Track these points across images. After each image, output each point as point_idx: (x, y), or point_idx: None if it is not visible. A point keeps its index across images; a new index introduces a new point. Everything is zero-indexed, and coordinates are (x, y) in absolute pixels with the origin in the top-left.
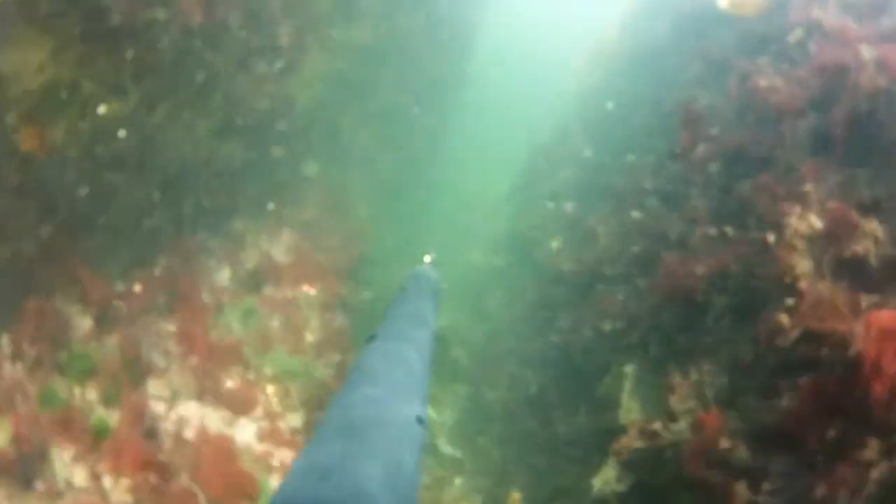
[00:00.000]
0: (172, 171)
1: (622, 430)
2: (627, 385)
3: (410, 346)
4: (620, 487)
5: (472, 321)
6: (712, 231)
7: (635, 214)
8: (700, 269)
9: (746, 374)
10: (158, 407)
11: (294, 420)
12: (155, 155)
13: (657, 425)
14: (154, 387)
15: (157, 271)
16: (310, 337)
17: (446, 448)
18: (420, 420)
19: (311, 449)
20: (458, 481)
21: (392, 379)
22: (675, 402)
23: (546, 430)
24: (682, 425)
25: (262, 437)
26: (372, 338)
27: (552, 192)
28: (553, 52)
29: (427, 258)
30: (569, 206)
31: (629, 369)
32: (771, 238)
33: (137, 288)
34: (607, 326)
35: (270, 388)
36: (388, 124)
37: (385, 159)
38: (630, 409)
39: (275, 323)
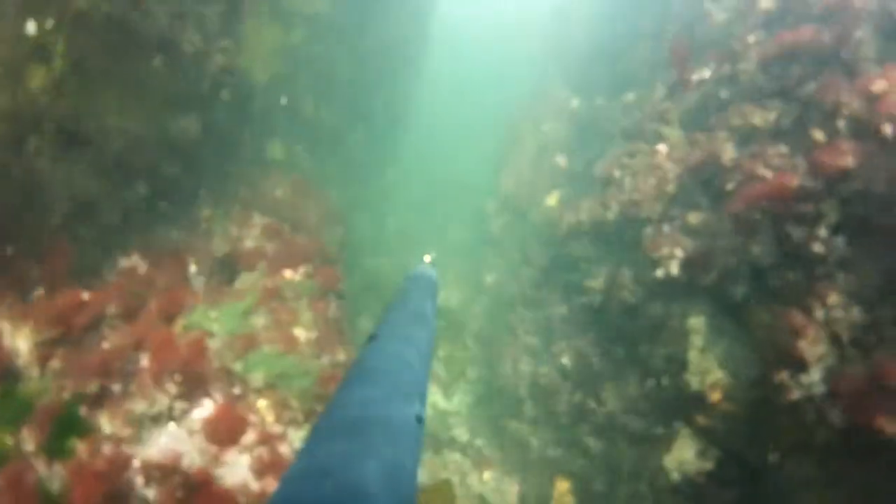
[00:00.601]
0: (116, 150)
1: (696, 396)
2: (696, 341)
3: (410, 346)
4: (707, 465)
5: (471, 295)
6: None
7: (662, 148)
8: (793, 181)
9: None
10: (118, 450)
11: (299, 438)
12: (92, 130)
13: (783, 376)
14: (110, 423)
15: (109, 274)
16: (302, 333)
17: (464, 437)
18: (420, 420)
19: (309, 449)
20: (487, 475)
21: (392, 378)
22: (806, 347)
23: (592, 406)
24: (814, 375)
25: (261, 470)
26: (372, 337)
27: (539, 147)
28: None
29: (427, 258)
30: (561, 160)
31: (696, 321)
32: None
33: (86, 297)
34: (659, 273)
35: (263, 403)
36: (354, 101)
37: (354, 138)
38: (705, 370)
39: (259, 319)
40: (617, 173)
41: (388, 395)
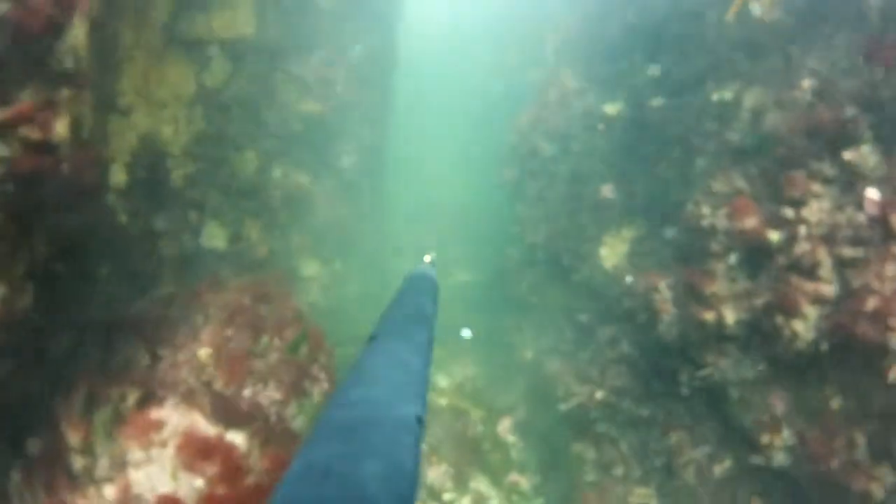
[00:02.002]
0: None
1: None
2: None
3: (410, 346)
4: None
5: (500, 394)
6: None
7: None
8: None
9: None
10: None
11: None
12: None
13: None
14: None
15: None
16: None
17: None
18: (420, 420)
19: (309, 449)
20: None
21: (392, 378)
22: None
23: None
24: None
25: None
26: (372, 338)
27: (572, 174)
28: None
29: (427, 258)
30: (607, 191)
31: None
32: None
33: None
34: None
35: None
36: (315, 147)
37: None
38: None
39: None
40: (775, 236)
41: (388, 395)
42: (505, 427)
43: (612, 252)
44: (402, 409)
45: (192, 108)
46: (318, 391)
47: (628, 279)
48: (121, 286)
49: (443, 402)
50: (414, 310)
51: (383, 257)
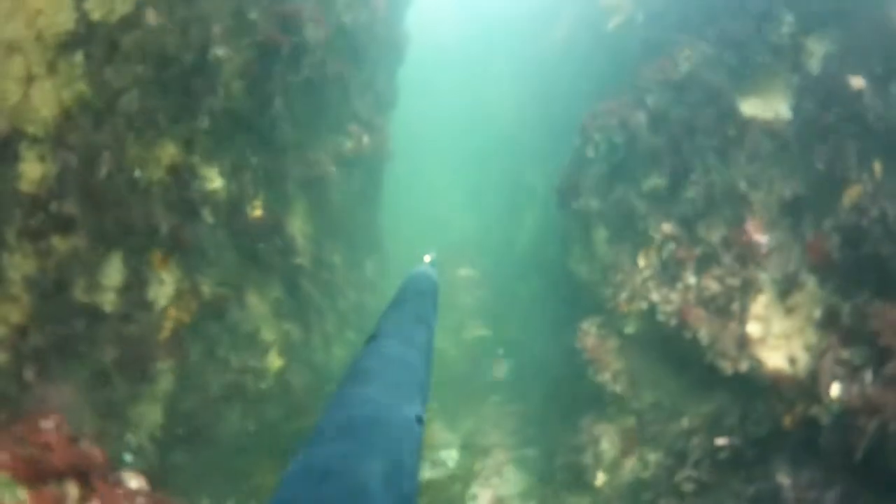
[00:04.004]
0: None
1: None
2: None
3: (410, 346)
4: None
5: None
6: None
7: None
8: None
9: None
10: None
11: None
12: None
13: None
14: None
15: None
16: None
17: None
18: (420, 420)
19: (309, 449)
20: None
21: (392, 378)
22: None
23: None
24: None
25: None
26: (372, 338)
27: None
28: None
29: (427, 258)
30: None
31: None
32: None
33: None
34: None
35: None
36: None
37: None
38: None
39: None
40: None
41: (388, 394)
42: None
43: None
44: (402, 408)
45: None
46: None
47: None
48: None
49: None
50: (414, 310)
51: None
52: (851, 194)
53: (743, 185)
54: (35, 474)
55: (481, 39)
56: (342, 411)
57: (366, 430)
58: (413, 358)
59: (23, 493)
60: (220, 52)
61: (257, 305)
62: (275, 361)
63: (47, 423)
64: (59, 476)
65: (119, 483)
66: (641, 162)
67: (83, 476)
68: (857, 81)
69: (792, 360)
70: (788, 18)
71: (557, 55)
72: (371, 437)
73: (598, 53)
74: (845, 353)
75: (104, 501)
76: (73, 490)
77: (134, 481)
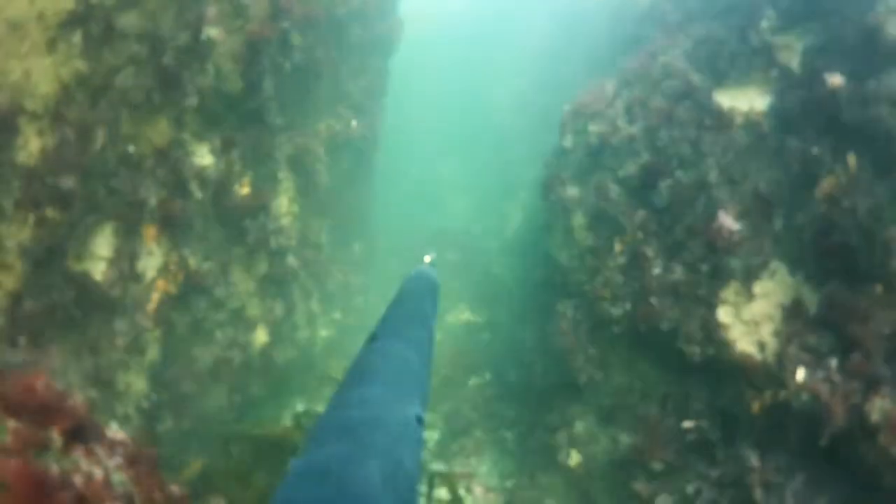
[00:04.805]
0: None
1: None
2: None
3: (410, 346)
4: None
5: None
6: None
7: None
8: None
9: None
10: None
11: None
12: None
13: None
14: None
15: None
16: None
17: None
18: (420, 420)
19: (309, 450)
20: None
21: (391, 379)
22: None
23: None
24: None
25: None
26: (372, 338)
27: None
28: None
29: (427, 258)
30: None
31: None
32: None
33: None
34: None
35: None
36: None
37: None
38: None
39: None
40: None
41: (389, 395)
42: None
43: None
44: (403, 409)
45: None
46: None
47: None
48: None
49: None
50: (414, 310)
51: None
52: (825, 186)
53: (717, 175)
54: (19, 416)
55: (482, 26)
56: (342, 411)
57: (366, 431)
58: (413, 358)
59: (12, 424)
60: (212, 32)
61: (243, 282)
62: (260, 338)
63: (37, 379)
64: (42, 422)
65: (102, 436)
66: (618, 152)
67: (65, 423)
68: (836, 79)
69: (761, 346)
70: (769, 13)
71: (555, 45)
72: (371, 438)
73: (593, 45)
74: (812, 340)
75: (87, 451)
76: (56, 437)
77: (116, 433)
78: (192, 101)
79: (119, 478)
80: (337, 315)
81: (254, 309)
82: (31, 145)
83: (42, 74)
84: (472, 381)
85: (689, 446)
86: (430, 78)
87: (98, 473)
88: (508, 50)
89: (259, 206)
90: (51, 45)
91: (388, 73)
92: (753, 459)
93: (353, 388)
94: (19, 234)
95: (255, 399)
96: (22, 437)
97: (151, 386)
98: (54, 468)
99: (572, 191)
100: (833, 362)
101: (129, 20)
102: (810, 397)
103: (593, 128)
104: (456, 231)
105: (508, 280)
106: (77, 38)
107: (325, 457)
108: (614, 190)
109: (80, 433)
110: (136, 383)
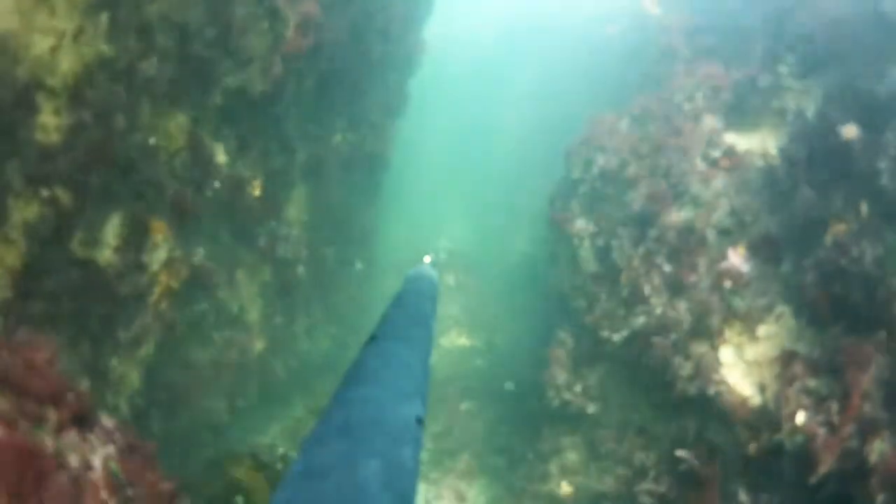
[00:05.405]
0: None
1: None
2: None
3: (410, 346)
4: None
5: None
6: None
7: None
8: None
9: None
10: None
11: None
12: None
13: None
14: None
15: None
16: None
17: None
18: (420, 420)
19: (309, 449)
20: None
21: (391, 378)
22: None
23: None
24: None
25: None
26: (372, 338)
27: None
28: None
29: (427, 258)
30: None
31: None
32: None
33: None
34: None
35: None
36: None
37: None
38: None
39: None
40: None
41: (388, 395)
42: None
43: None
44: (402, 409)
45: None
46: None
47: None
48: None
49: None
50: (414, 310)
51: None
52: (835, 231)
53: (727, 215)
54: (16, 390)
55: (498, 57)
56: (342, 411)
57: (365, 431)
58: (413, 358)
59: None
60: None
61: (246, 286)
62: (257, 344)
63: (39, 353)
64: (40, 399)
65: (97, 421)
66: (626, 185)
67: (63, 406)
68: (850, 130)
69: (762, 388)
70: (788, 59)
71: (567, 77)
72: (371, 438)
73: (603, 79)
74: (812, 383)
75: (81, 432)
76: (52, 415)
77: (110, 422)
78: (217, 99)
79: (114, 467)
80: (336, 328)
81: (254, 314)
82: (48, 122)
83: (64, 51)
84: (464, 406)
85: (681, 477)
86: (443, 103)
87: (95, 460)
88: (521, 78)
89: (270, 211)
90: (76, 24)
91: (407, 94)
92: (743, 496)
93: (353, 388)
94: (26, 209)
95: (248, 407)
96: (18, 410)
97: (145, 381)
98: (48, 443)
99: (579, 223)
100: (833, 405)
101: (158, 8)
102: (804, 438)
103: (602, 160)
104: (458, 253)
105: (507, 306)
106: (104, 19)
107: (324, 456)
108: (620, 223)
109: (81, 420)
110: (130, 375)
